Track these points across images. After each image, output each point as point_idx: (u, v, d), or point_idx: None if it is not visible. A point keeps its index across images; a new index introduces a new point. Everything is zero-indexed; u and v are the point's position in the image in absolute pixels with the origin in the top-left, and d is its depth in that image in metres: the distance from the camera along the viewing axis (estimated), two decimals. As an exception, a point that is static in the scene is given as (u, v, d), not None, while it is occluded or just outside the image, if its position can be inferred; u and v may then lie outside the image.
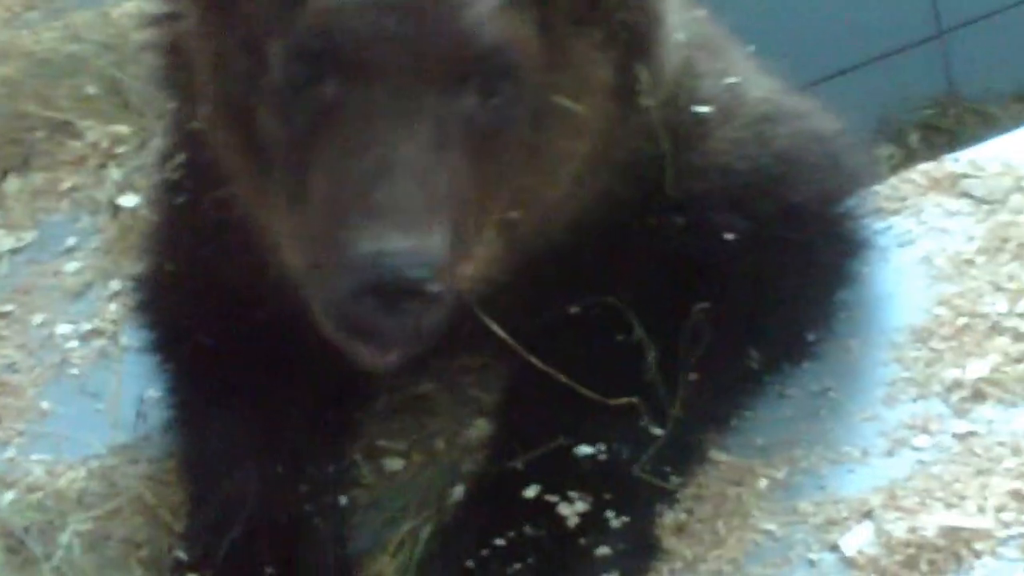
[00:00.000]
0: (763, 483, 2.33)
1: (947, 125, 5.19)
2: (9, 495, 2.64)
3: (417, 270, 1.96)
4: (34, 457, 2.84)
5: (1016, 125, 5.20)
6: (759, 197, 2.39)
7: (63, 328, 3.22)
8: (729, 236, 2.36)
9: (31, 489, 2.68)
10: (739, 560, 2.22)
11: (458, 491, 2.40)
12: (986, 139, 2.94)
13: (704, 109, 2.38)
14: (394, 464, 2.54)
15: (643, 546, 2.25)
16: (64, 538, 2.41)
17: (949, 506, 2.17)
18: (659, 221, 2.35)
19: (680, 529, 2.29)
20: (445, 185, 2.03)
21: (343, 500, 2.42)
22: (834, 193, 2.52)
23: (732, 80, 2.46)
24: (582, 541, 2.20)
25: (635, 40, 2.23)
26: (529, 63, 2.12)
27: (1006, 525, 2.12)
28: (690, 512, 2.31)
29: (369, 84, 2.04)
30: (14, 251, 3.51)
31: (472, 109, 2.09)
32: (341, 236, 1.98)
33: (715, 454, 2.39)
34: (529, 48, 2.12)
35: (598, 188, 2.30)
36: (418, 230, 1.98)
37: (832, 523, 2.22)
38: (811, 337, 2.51)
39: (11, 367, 3.15)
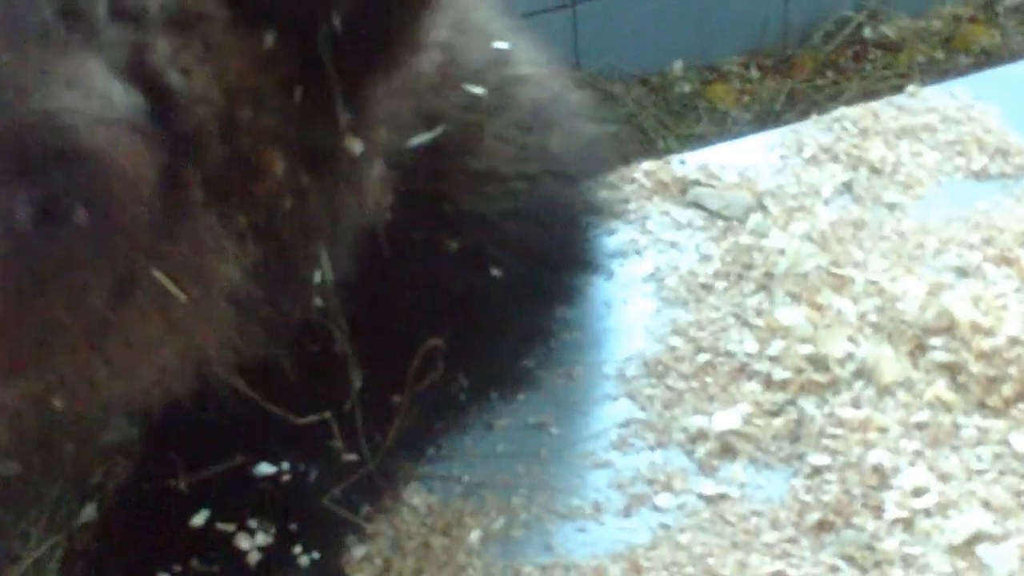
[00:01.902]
0: (475, 535, 1.94)
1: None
2: None
3: None
4: None
5: (639, 108, 5.08)
6: (532, 234, 2.05)
7: None
8: (496, 273, 2.00)
9: None
10: (446, 632, 1.80)
11: (90, 510, 1.93)
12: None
13: (477, 90, 1.94)
14: (8, 468, 1.99)
15: None
16: None
17: (704, 587, 1.81)
18: (431, 244, 1.96)
19: (376, 584, 1.84)
20: None
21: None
22: (576, 207, 2.17)
23: (500, 45, 2.03)
24: None
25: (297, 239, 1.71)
26: (130, 205, 1.53)
27: (771, 616, 1.78)
28: (388, 566, 1.88)
29: None
30: None
31: (20, 220, 1.50)
32: None
33: (414, 495, 1.98)
34: (135, 187, 1.53)
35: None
36: None
37: (563, 595, 1.83)
38: (529, 364, 2.15)
39: None
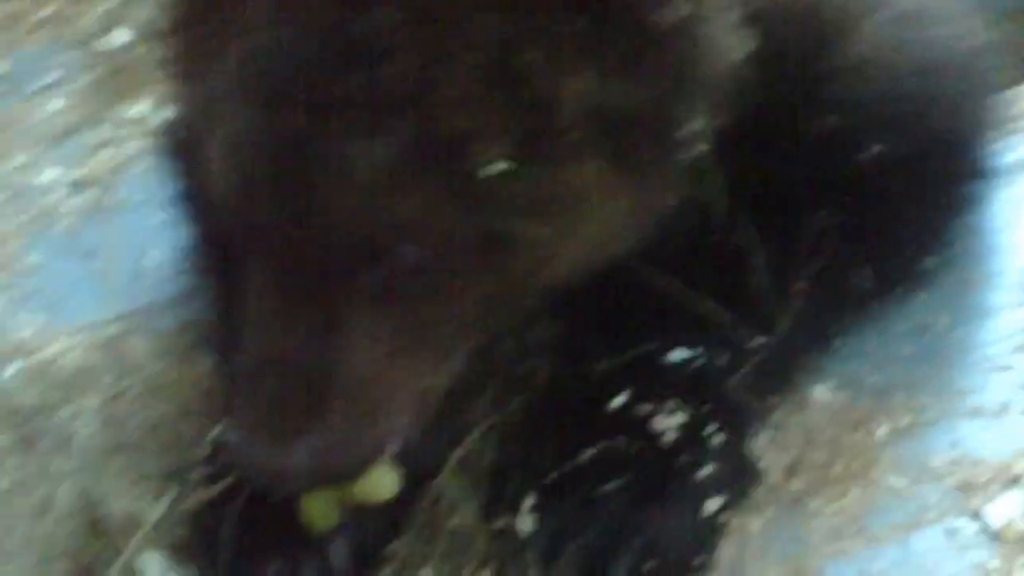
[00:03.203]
0: (883, 431, 2.06)
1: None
2: (11, 368, 2.28)
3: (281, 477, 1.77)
4: (23, 317, 2.51)
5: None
6: (914, 114, 2.10)
7: (48, 174, 2.87)
8: (876, 150, 2.07)
9: (33, 359, 2.35)
10: (859, 517, 1.95)
11: (521, 398, 2.11)
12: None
13: None
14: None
15: (745, 469, 2.01)
16: (86, 422, 2.08)
17: (1111, 479, 1.89)
18: (807, 121, 2.04)
19: (790, 471, 2.02)
20: (330, 381, 1.74)
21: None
22: (979, 115, 2.23)
23: None
24: (681, 458, 1.94)
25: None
26: (444, 233, 1.73)
27: None
28: (800, 457, 2.03)
29: (263, 262, 1.75)
30: (-17, 83, 3.07)
31: (376, 292, 1.74)
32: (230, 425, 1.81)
33: (824, 394, 2.10)
34: (440, 220, 1.72)
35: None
36: (278, 446, 1.74)
37: (971, 487, 1.96)
38: (927, 265, 2.23)
39: (-10, 212, 2.76)
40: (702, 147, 1.87)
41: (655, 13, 1.73)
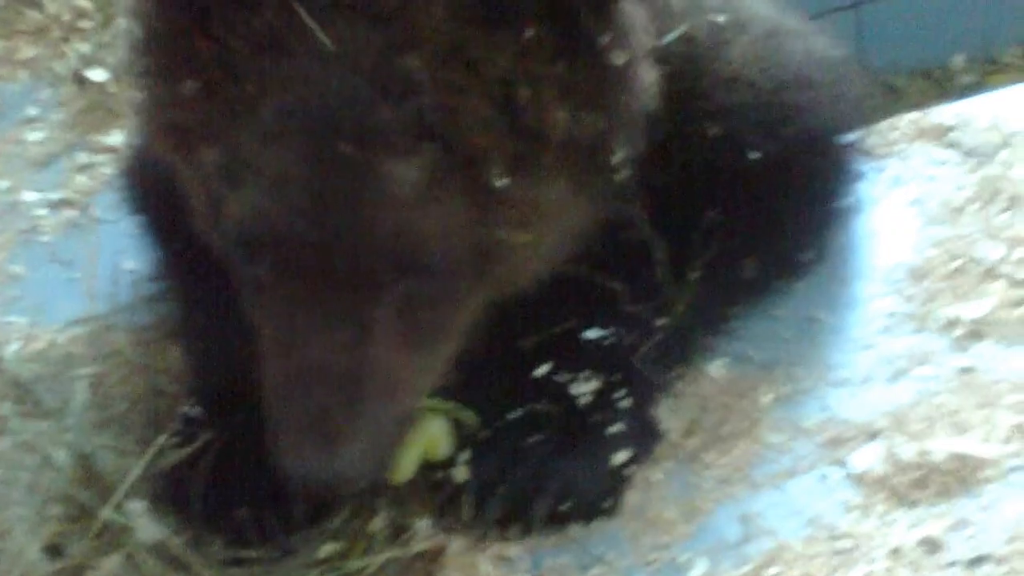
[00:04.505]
0: (767, 398, 2.41)
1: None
2: (10, 348, 2.58)
3: (334, 481, 2.05)
4: (10, 319, 2.82)
5: (922, 101, 5.37)
6: (782, 118, 2.46)
7: (30, 196, 3.19)
8: (754, 154, 2.42)
9: (26, 348, 2.65)
10: (744, 467, 2.29)
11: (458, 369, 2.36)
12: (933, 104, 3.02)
13: (721, 18, 2.42)
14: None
15: (648, 429, 2.33)
16: (78, 393, 2.36)
17: (955, 434, 2.24)
18: (694, 131, 2.39)
19: (687, 431, 2.36)
20: (364, 386, 2.05)
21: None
22: (840, 120, 2.59)
23: None
24: (594, 418, 2.27)
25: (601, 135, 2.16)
26: (459, 242, 2.08)
27: (1013, 455, 2.21)
28: (695, 420, 2.37)
29: (290, 282, 2.05)
30: (-30, 118, 3.40)
31: (399, 300, 2.06)
32: (277, 439, 2.07)
33: (716, 368, 2.45)
34: (457, 231, 2.07)
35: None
36: (330, 450, 2.02)
37: (839, 441, 2.30)
38: (805, 257, 2.59)
39: (-25, 229, 3.07)
40: (627, 170, 2.21)
41: (612, 55, 2.09)
